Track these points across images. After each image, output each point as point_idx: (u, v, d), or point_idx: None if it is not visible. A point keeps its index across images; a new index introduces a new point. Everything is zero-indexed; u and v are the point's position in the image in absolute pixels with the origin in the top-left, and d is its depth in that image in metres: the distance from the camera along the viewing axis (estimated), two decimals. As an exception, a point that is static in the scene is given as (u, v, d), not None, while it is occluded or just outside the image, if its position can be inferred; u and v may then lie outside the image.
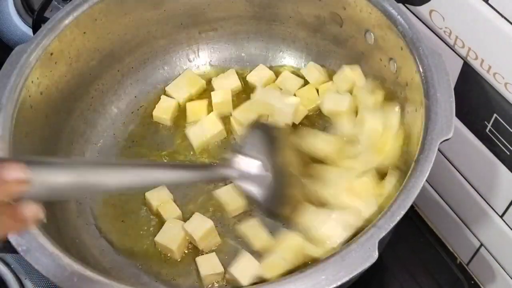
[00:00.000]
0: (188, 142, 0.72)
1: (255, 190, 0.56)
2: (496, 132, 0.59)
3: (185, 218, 0.65)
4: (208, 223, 0.63)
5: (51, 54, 0.62)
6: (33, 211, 0.37)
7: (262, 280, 0.58)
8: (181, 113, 0.74)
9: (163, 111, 0.73)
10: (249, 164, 0.56)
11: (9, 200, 0.36)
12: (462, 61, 0.59)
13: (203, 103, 0.74)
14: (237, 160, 0.55)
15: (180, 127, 0.74)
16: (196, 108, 0.73)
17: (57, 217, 0.61)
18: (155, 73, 0.76)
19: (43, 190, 0.38)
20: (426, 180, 0.49)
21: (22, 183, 0.36)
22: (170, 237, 0.63)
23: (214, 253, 0.63)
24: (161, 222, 0.65)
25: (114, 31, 0.69)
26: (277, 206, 0.58)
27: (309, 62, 0.75)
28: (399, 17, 0.59)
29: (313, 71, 0.74)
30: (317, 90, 0.73)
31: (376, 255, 0.46)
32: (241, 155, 0.56)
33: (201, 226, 0.63)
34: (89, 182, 0.42)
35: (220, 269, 0.61)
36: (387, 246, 0.54)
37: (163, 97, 0.74)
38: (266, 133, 0.59)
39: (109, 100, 0.73)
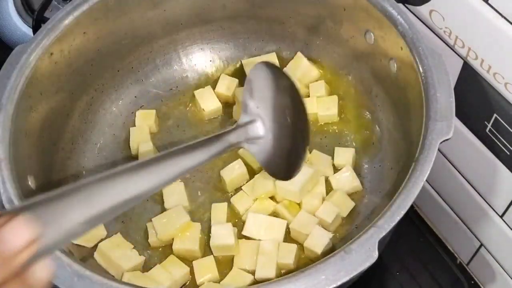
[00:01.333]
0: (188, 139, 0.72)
1: (260, 152, 0.56)
2: (496, 132, 0.59)
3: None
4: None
5: (51, 54, 0.62)
6: (45, 271, 0.29)
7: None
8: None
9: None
10: (251, 128, 0.55)
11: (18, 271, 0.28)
12: (462, 61, 0.59)
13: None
14: (240, 126, 0.55)
15: (180, 127, 0.74)
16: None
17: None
18: (155, 73, 0.76)
19: (58, 236, 0.30)
20: (426, 180, 0.49)
21: (32, 244, 0.28)
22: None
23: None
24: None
25: (114, 31, 0.69)
26: (283, 166, 0.58)
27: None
28: (399, 17, 0.59)
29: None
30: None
31: (376, 255, 0.46)
32: (243, 119, 0.55)
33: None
34: (106, 204, 0.34)
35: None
36: (387, 246, 0.54)
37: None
38: (271, 79, 0.57)
39: (109, 100, 0.73)
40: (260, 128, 0.57)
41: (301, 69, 0.74)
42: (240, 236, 0.64)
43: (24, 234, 0.27)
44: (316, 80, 0.74)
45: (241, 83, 0.76)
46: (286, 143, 0.57)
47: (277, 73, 0.58)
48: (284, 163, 0.59)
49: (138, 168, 0.40)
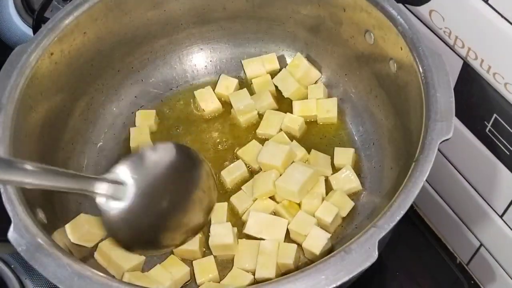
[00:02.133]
0: (187, 140, 0.72)
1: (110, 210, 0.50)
2: (496, 132, 0.59)
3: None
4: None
5: (51, 54, 0.62)
6: None
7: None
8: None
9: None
10: (118, 190, 0.50)
11: None
12: (462, 61, 0.59)
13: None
14: (107, 179, 0.50)
15: (180, 127, 0.74)
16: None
17: (58, 216, 0.61)
18: (155, 73, 0.76)
19: None
20: (426, 180, 0.49)
21: None
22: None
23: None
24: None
25: (114, 31, 0.69)
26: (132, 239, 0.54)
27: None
28: (399, 17, 0.59)
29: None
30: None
31: (376, 255, 0.46)
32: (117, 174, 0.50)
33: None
34: None
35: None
36: (387, 246, 0.54)
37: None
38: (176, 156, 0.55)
39: (109, 100, 0.73)
40: (126, 196, 0.51)
41: (300, 70, 0.74)
42: (241, 235, 0.64)
43: None
44: (316, 81, 0.75)
45: (240, 84, 0.76)
46: (144, 221, 0.53)
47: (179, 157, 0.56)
48: (130, 235, 0.54)
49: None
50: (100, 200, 0.50)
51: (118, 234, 0.53)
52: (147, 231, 0.54)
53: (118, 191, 0.51)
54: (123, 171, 0.52)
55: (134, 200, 0.51)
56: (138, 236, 0.54)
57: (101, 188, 0.50)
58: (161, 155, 0.54)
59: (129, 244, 0.54)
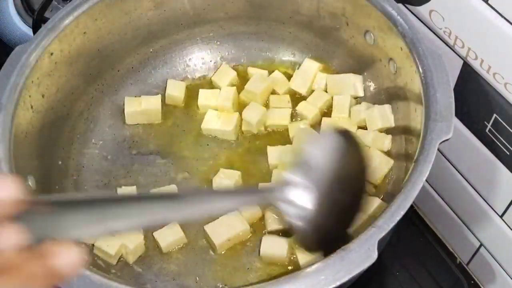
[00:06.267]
0: (187, 143, 0.72)
1: (296, 218, 0.47)
2: (496, 132, 0.59)
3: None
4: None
5: (51, 54, 0.62)
6: (72, 256, 0.29)
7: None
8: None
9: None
10: (298, 196, 0.46)
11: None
12: (462, 61, 0.59)
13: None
14: (288, 187, 0.46)
15: (180, 127, 0.74)
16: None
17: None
18: (155, 73, 0.76)
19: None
20: (426, 180, 0.50)
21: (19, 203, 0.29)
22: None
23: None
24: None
25: (114, 31, 0.69)
26: (315, 242, 0.49)
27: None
28: (399, 17, 0.59)
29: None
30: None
31: (375, 255, 0.46)
32: (294, 180, 0.46)
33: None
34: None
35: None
36: (387, 246, 0.54)
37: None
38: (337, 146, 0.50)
39: (109, 100, 0.73)
40: (309, 199, 0.47)
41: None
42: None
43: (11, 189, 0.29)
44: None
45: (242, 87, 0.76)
46: (329, 220, 0.49)
47: (347, 143, 0.51)
48: (318, 238, 0.50)
49: (167, 199, 0.41)
50: (286, 210, 0.46)
51: (307, 240, 0.49)
52: (332, 229, 0.50)
53: (303, 197, 0.47)
54: (300, 175, 0.47)
55: (317, 203, 0.47)
56: (325, 236, 0.50)
57: (281, 197, 0.46)
58: (328, 148, 0.50)
59: (317, 247, 0.50)
